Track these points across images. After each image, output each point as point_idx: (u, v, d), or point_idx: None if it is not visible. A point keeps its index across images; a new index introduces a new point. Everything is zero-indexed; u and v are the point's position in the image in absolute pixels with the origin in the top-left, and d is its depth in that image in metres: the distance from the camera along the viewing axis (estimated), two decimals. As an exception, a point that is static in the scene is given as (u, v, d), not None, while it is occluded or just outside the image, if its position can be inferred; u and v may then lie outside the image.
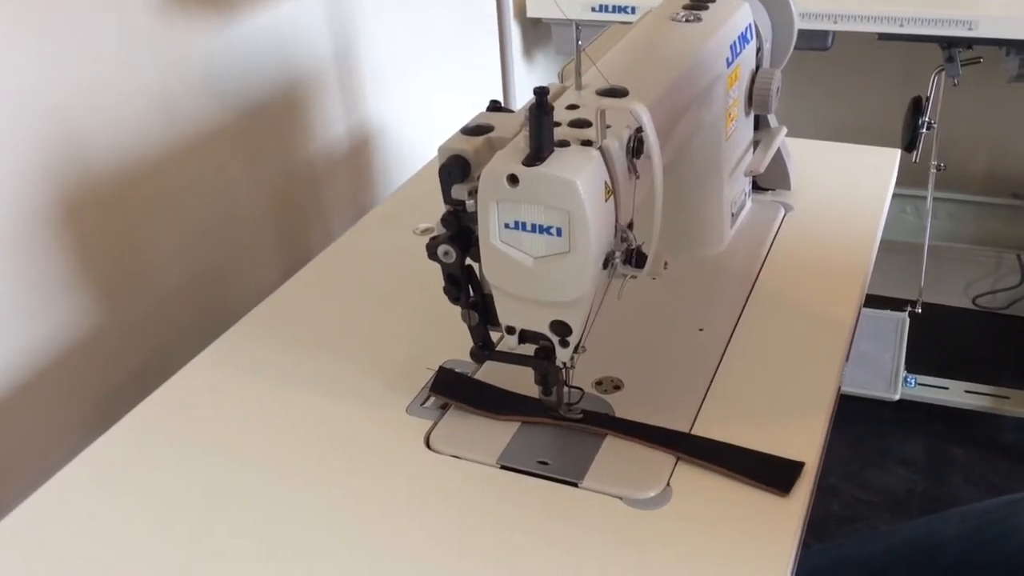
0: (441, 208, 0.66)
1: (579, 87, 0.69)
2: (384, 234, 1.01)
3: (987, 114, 1.93)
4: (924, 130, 1.61)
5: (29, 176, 0.83)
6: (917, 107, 1.61)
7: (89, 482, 0.71)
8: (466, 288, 0.68)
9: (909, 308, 1.86)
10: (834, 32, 1.51)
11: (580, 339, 0.66)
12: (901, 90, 1.69)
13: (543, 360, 0.68)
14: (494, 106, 0.70)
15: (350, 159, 1.27)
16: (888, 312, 1.87)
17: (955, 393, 1.82)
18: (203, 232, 1.04)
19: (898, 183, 1.06)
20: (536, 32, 1.78)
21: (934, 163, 1.72)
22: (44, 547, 0.66)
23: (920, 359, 1.85)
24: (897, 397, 1.76)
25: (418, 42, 1.40)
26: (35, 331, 0.86)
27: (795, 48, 0.96)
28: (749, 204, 0.99)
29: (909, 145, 1.61)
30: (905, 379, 1.80)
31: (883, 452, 1.80)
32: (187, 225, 1.01)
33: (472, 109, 0.70)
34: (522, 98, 1.53)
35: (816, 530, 0.66)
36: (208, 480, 0.70)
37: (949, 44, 1.52)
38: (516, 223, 0.61)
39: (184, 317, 1.02)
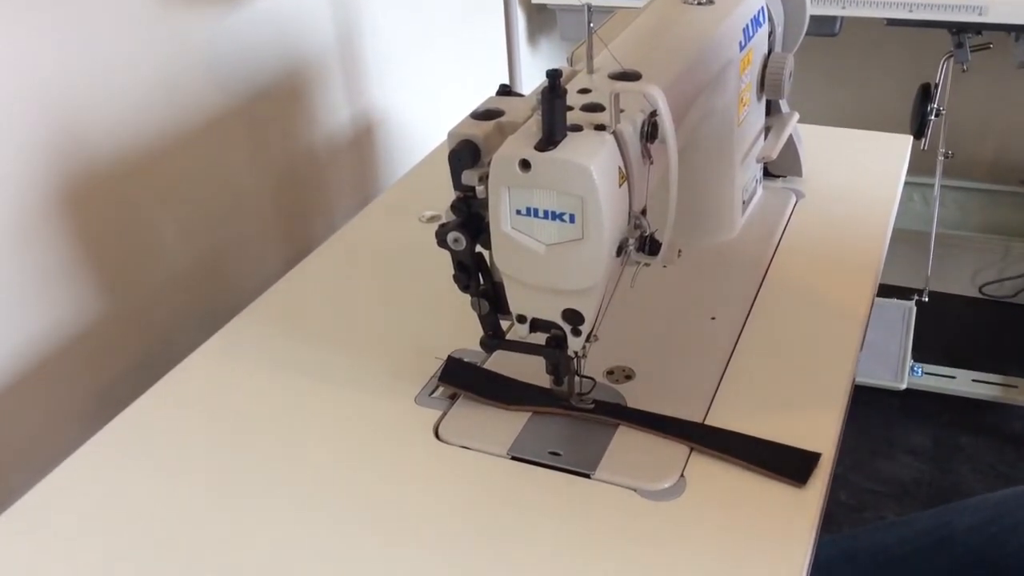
0: (447, 195, 0.65)
1: (591, 71, 0.68)
2: (390, 222, 1.00)
3: (995, 101, 1.91)
4: (932, 117, 1.59)
5: (30, 163, 0.81)
6: (925, 94, 1.60)
7: (93, 473, 0.70)
8: (476, 276, 0.67)
9: (916, 297, 1.85)
10: (842, 17, 1.49)
11: (592, 328, 0.65)
12: (909, 76, 1.67)
13: (554, 349, 0.66)
14: (504, 90, 0.69)
15: (354, 146, 1.25)
16: (895, 301, 1.86)
17: (962, 382, 1.82)
18: (205, 221, 1.02)
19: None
20: (540, 18, 1.77)
21: (942, 150, 1.70)
22: (47, 540, 0.65)
23: (927, 348, 1.84)
24: (904, 386, 1.75)
25: (422, 28, 1.38)
26: (36, 321, 0.85)
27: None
28: (760, 191, 0.97)
29: (917, 132, 1.59)
30: (912, 368, 1.80)
31: (890, 441, 1.79)
32: (189, 213, 1.00)
33: (476, 95, 0.69)
34: (528, 84, 1.52)
35: (823, 519, 0.65)
36: (213, 471, 0.69)
37: (958, 30, 1.50)
38: (528, 209, 0.60)
39: (186, 306, 1.01)
